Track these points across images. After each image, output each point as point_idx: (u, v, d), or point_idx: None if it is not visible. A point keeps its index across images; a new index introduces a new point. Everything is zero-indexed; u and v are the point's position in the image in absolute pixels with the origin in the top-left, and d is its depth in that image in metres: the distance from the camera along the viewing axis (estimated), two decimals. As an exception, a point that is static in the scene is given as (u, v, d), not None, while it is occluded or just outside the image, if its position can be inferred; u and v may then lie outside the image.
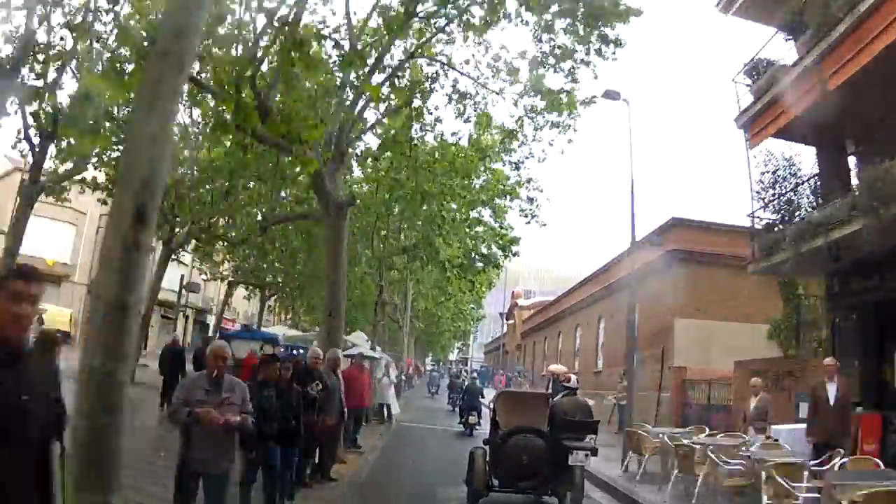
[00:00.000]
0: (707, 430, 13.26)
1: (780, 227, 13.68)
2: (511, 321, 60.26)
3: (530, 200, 17.81)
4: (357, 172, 21.51)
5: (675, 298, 22.58)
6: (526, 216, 17.93)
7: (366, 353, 15.25)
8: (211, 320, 45.78)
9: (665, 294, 23.05)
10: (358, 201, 18.87)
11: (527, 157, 17.37)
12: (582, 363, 32.06)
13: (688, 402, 21.31)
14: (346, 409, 8.34)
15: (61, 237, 36.06)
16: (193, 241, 21.77)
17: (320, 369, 8.09)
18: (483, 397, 20.77)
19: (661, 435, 12.41)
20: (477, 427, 18.58)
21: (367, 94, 12.07)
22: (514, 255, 22.70)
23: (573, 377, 10.91)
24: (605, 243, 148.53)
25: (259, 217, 18.22)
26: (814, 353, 20.04)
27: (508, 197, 23.05)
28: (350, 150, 13.11)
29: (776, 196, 14.81)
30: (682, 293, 22.61)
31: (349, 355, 15.08)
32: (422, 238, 21.23)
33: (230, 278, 29.68)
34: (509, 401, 9.70)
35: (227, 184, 17.89)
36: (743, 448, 10.07)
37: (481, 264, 22.41)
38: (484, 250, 23.02)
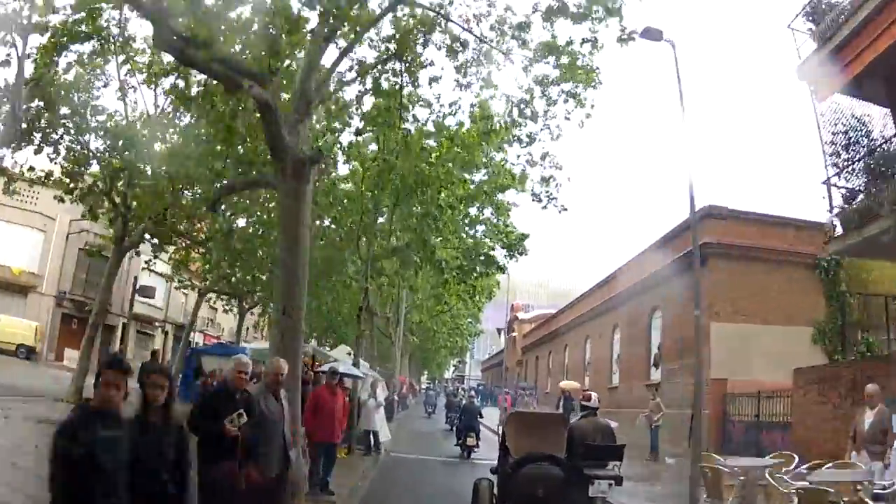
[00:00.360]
0: (789, 457, 10.07)
1: (873, 190, 10.67)
2: (512, 335, 56.96)
3: (545, 181, 14.69)
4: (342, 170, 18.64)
5: (708, 300, 19.46)
6: (540, 200, 14.83)
7: (342, 370, 12.13)
8: (196, 337, 42.50)
9: (697, 295, 19.94)
10: (331, 167, 16.01)
11: (540, 131, 14.34)
12: (594, 379, 28.86)
13: (729, 420, 18.17)
14: (291, 453, 5.16)
15: (28, 244, 33.35)
16: (151, 242, 18.61)
17: (248, 389, 4.94)
18: (482, 417, 19.23)
19: (734, 469, 9.23)
20: (475, 450, 17.29)
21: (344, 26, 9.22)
22: (522, 254, 19.64)
23: (594, 395, 9.05)
24: (608, 253, 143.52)
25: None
26: (861, 358, 17.32)
27: (514, 189, 20.20)
28: (320, 103, 10.00)
29: (855, 159, 11.80)
30: (718, 293, 19.55)
31: (321, 372, 12.03)
32: (415, 236, 18.21)
33: (199, 287, 26.32)
34: (521, 423, 8.53)
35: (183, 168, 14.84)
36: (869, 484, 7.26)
37: (483, 267, 19.29)
38: (486, 251, 19.95)
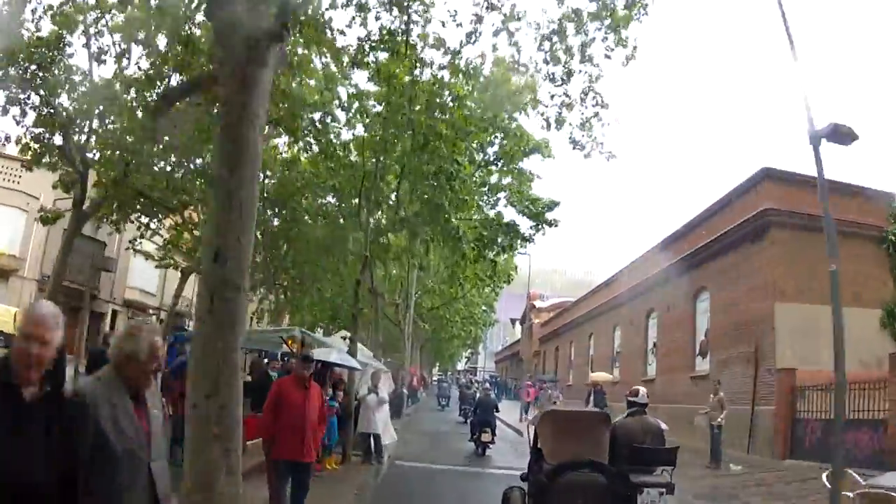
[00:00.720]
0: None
1: None
2: (528, 324, 54.03)
3: (587, 124, 11.78)
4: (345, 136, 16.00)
5: (771, 276, 16.57)
6: (581, 147, 11.92)
7: (334, 359, 9.40)
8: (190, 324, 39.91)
9: (756, 272, 17.08)
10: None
11: (578, 63, 11.51)
12: (625, 370, 25.98)
13: (799, 419, 15.27)
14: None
15: (9, 225, 30.97)
16: (112, 205, 15.95)
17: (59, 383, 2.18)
18: (498, 411, 17.99)
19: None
20: (490, 445, 16.12)
21: None
22: (552, 225, 16.82)
23: (642, 390, 7.92)
24: (633, 236, 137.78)
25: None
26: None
27: (540, 153, 17.45)
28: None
29: None
30: (781, 269, 16.64)
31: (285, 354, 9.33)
32: (426, 204, 15.49)
33: (182, 264, 23.53)
34: (558, 423, 7.34)
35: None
36: None
37: (505, 238, 16.48)
38: (509, 221, 17.14)
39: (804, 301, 16.41)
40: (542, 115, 12.87)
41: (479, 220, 16.92)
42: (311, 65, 14.16)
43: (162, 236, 23.07)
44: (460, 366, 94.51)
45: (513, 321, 79.53)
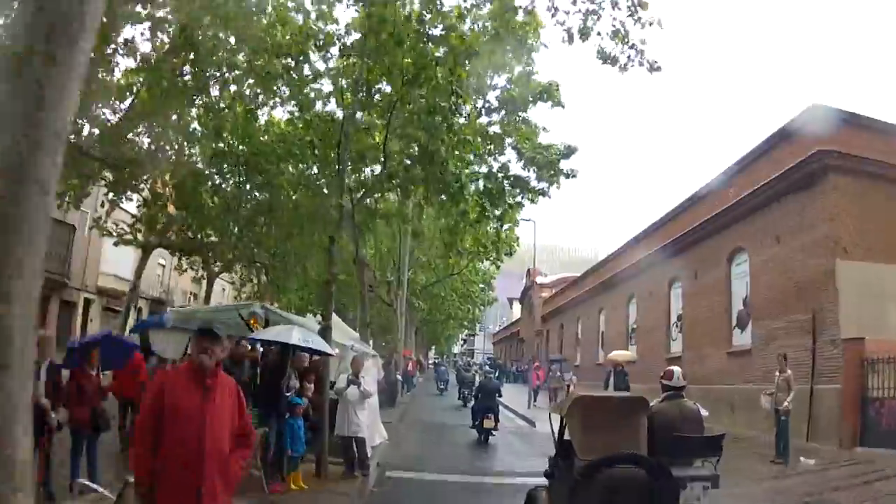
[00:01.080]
0: None
1: None
2: (530, 302, 51.40)
3: (620, 34, 9.06)
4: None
5: (831, 230, 13.95)
6: (614, 61, 9.22)
7: (295, 340, 6.80)
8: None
9: (810, 225, 14.47)
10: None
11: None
12: (643, 347, 23.39)
13: (871, 399, 12.71)
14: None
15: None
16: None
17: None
18: (500, 395, 16.84)
19: None
20: (493, 432, 15.27)
21: None
22: (569, 176, 14.14)
23: (676, 370, 6.95)
24: (642, 207, 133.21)
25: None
26: None
27: (550, 99, 14.76)
28: None
29: None
30: (842, 222, 14.02)
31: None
32: (420, 152, 12.84)
33: (144, 242, 20.77)
34: (590, 411, 6.18)
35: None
36: None
37: (513, 191, 13.82)
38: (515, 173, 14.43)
39: (868, 260, 13.86)
40: (562, 25, 10.16)
41: (482, 172, 14.19)
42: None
43: (129, 213, 20.88)
44: (456, 349, 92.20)
45: (510, 301, 77.27)
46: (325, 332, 8.91)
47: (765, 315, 15.80)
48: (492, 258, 23.76)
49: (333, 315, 12.03)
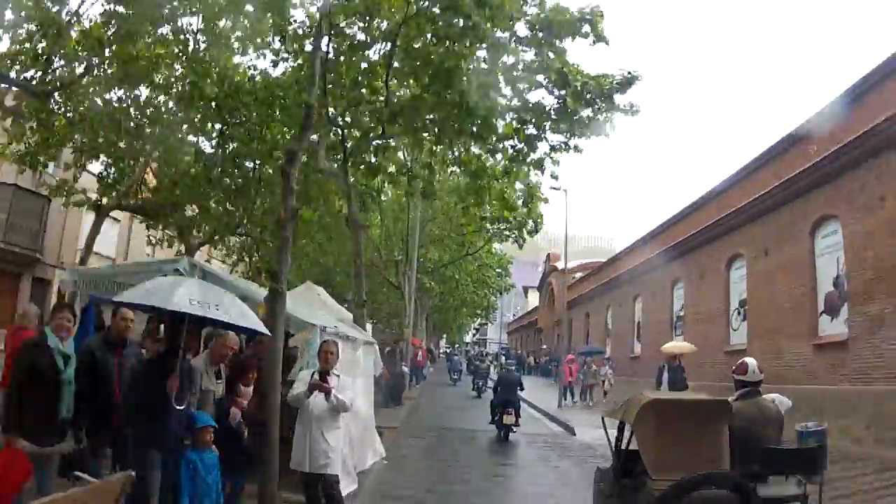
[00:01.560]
0: None
1: None
2: (549, 289, 47.94)
3: None
4: None
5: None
6: None
7: (215, 314, 3.71)
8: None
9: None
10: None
11: None
12: (690, 338, 19.90)
13: None
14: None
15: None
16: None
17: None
18: (522, 389, 15.71)
19: None
20: (514, 429, 14.42)
21: None
22: (629, 112, 10.67)
23: (750, 363, 5.71)
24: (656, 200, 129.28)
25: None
26: None
27: (591, 24, 11.21)
28: None
29: None
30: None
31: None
32: (432, 78, 9.69)
33: (98, 199, 17.74)
34: (665, 415, 5.24)
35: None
36: None
37: (555, 126, 10.50)
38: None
39: None
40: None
41: (510, 107, 10.84)
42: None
43: (94, 174, 18.41)
44: (468, 338, 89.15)
45: (526, 289, 74.12)
46: (273, 302, 5.58)
47: (864, 298, 12.36)
48: (514, 234, 20.56)
49: (316, 287, 8.88)
